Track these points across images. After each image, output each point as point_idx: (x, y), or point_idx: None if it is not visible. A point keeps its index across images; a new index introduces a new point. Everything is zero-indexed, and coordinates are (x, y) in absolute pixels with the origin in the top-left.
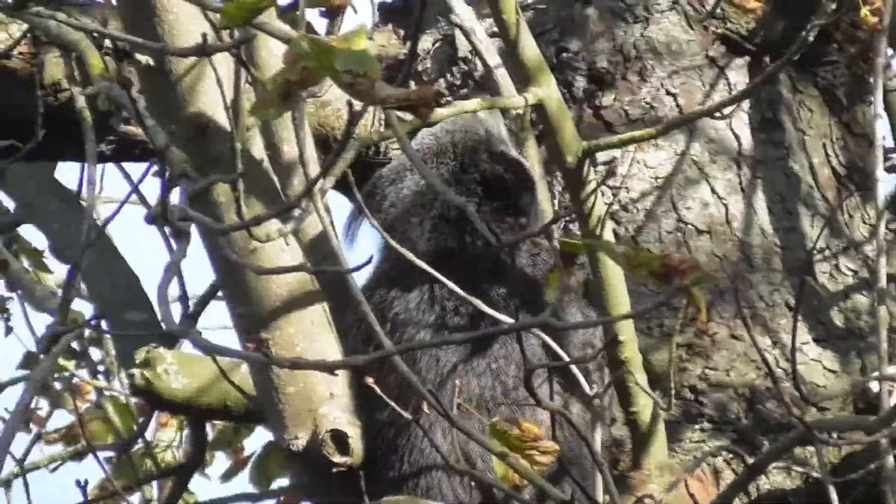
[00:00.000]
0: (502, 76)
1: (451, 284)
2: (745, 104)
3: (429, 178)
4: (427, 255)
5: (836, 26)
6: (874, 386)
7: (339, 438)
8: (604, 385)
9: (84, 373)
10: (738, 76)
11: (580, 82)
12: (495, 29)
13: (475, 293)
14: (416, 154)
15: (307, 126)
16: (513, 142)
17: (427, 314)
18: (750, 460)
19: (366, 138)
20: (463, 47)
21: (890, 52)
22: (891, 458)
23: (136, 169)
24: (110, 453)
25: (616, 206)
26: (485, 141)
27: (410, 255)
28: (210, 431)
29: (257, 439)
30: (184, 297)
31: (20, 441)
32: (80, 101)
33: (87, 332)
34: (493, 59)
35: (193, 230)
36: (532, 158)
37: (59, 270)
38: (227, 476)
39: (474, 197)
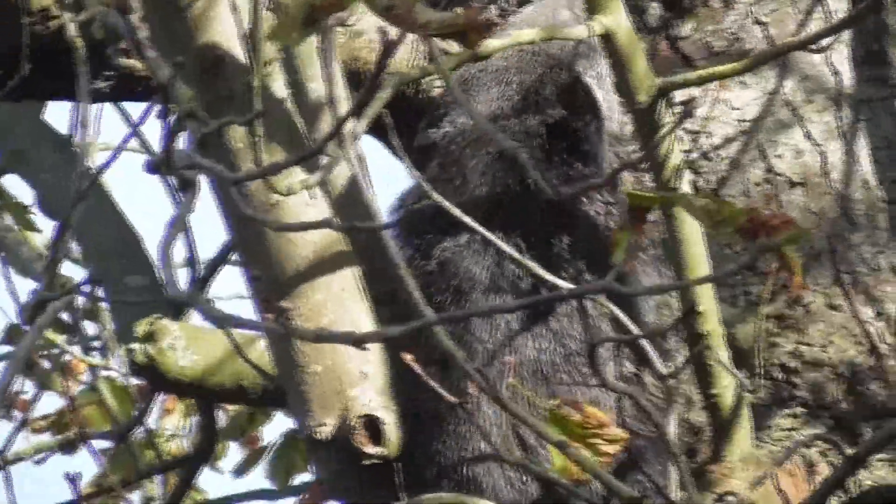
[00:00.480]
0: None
1: (499, 242)
2: (846, 35)
3: (476, 118)
4: (482, 200)
5: None
6: None
7: (373, 425)
8: (681, 361)
9: (76, 349)
10: (838, 2)
11: (654, 9)
12: None
13: (539, 244)
14: (461, 92)
15: (336, 59)
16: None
17: (482, 259)
18: (850, 451)
19: (404, 74)
20: None
21: None
22: None
23: (137, 109)
24: (106, 443)
25: (695, 154)
26: (555, 66)
27: (455, 210)
28: (222, 417)
29: (276, 427)
30: (192, 260)
31: (1, 429)
32: (72, 29)
33: (78, 300)
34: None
35: (202, 180)
36: None
37: (48, 228)
38: (241, 470)
39: (536, 138)
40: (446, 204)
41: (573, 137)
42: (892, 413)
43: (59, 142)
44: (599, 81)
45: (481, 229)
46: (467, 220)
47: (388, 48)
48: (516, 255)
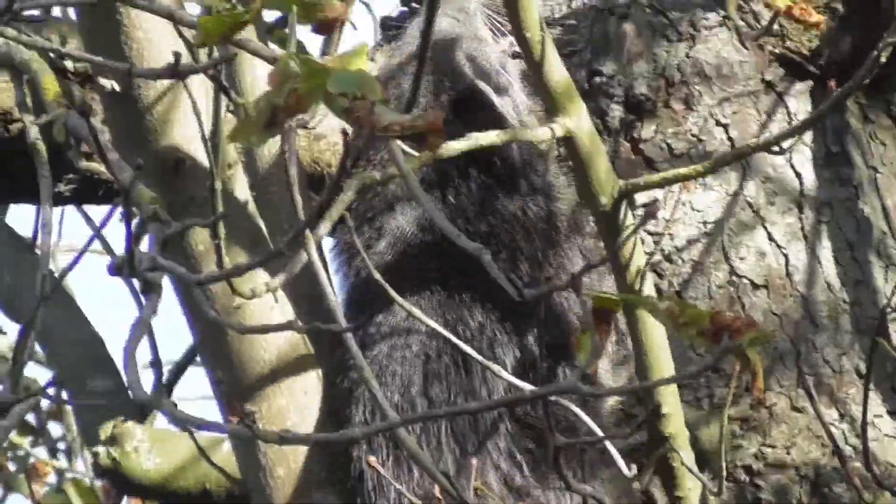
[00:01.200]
0: (521, 103)
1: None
2: (808, 136)
3: (437, 219)
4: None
5: None
6: None
7: None
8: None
9: (41, 451)
10: (800, 103)
11: (616, 111)
12: (517, 48)
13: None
14: (425, 197)
15: (297, 162)
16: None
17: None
18: None
19: (366, 176)
20: None
21: None
22: None
23: (98, 212)
24: None
25: (658, 256)
26: (445, 75)
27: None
28: None
29: None
30: (156, 362)
31: None
32: (34, 133)
33: (43, 403)
34: (515, 83)
35: (166, 282)
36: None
37: (11, 331)
38: None
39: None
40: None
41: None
42: None
43: (20, 244)
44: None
45: (441, 330)
46: (429, 320)
47: (351, 149)
48: (480, 358)
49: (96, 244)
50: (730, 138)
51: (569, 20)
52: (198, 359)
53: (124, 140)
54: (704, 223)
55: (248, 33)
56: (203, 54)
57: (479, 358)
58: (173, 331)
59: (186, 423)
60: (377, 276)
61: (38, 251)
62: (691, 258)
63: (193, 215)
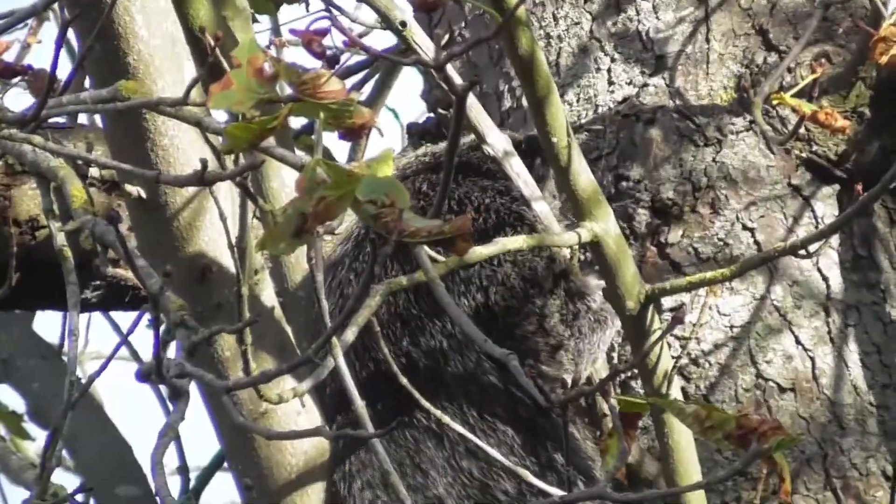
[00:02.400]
0: (545, 214)
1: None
2: (835, 240)
3: (464, 325)
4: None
5: None
6: None
7: None
8: None
9: None
10: (826, 207)
11: (642, 215)
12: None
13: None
14: (451, 302)
15: (324, 267)
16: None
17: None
18: None
19: (393, 282)
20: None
21: None
22: None
23: (125, 318)
24: None
25: (685, 360)
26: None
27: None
28: None
29: None
30: (183, 468)
31: None
32: (60, 240)
33: None
34: (534, 192)
35: (193, 388)
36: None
37: (39, 437)
38: None
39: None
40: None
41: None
42: None
43: (48, 351)
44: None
45: (470, 435)
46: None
47: (377, 255)
48: (508, 462)
49: (123, 350)
50: (756, 242)
51: (595, 125)
52: (225, 464)
53: (151, 247)
54: (731, 327)
55: (275, 139)
56: (229, 160)
57: (507, 462)
58: (200, 436)
59: None
60: (405, 381)
61: (65, 358)
62: (718, 362)
63: (220, 321)
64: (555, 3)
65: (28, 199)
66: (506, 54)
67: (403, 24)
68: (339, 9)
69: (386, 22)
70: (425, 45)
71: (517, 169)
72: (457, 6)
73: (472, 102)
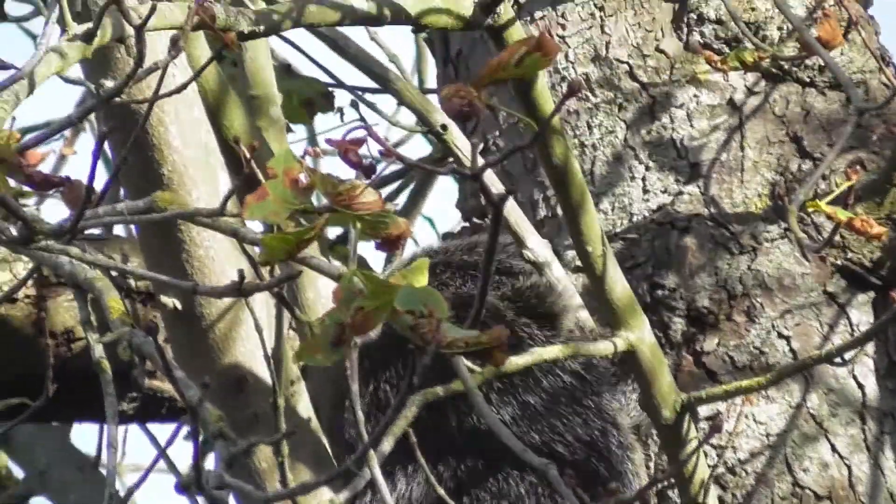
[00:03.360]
0: (584, 319)
1: None
2: (870, 347)
3: (499, 431)
4: None
5: None
6: None
7: None
8: None
9: None
10: (862, 314)
11: (678, 324)
12: (578, 263)
13: None
14: (489, 412)
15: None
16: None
17: None
18: None
19: (429, 392)
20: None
21: None
22: None
23: (163, 430)
24: None
25: (721, 469)
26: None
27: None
28: None
29: None
30: None
31: None
32: (98, 351)
33: None
34: (574, 300)
35: (232, 500)
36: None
37: None
38: None
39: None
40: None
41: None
42: None
43: (86, 463)
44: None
45: None
46: None
47: (415, 364)
48: None
49: (161, 462)
50: (792, 350)
51: (630, 234)
52: None
53: (187, 357)
54: (767, 435)
55: (311, 249)
56: (266, 271)
57: None
58: None
59: None
60: (441, 491)
61: (103, 470)
62: (754, 470)
63: (257, 432)
64: (589, 112)
65: (63, 311)
66: (540, 163)
67: (444, 127)
68: (379, 112)
69: (426, 125)
70: (464, 151)
71: (557, 274)
72: (491, 114)
73: (512, 207)
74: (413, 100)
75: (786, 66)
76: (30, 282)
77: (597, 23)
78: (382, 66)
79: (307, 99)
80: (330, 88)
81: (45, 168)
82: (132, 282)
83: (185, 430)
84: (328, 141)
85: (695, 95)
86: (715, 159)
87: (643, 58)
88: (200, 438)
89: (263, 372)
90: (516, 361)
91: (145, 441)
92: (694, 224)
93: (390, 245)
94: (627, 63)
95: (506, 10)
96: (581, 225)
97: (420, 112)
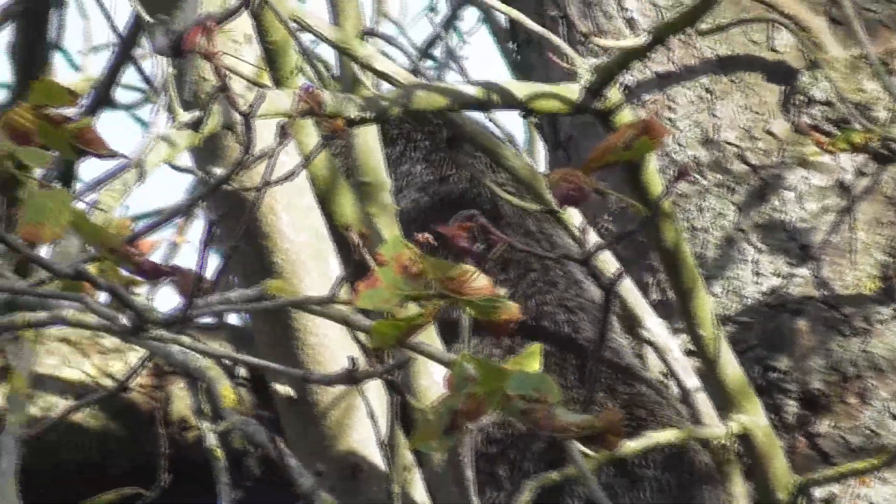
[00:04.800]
0: (701, 401)
1: None
2: None
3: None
4: None
5: None
6: None
7: None
8: None
9: None
10: None
11: (791, 406)
12: (692, 346)
13: None
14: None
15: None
16: None
17: None
18: None
19: (545, 478)
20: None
21: None
22: None
23: None
24: None
25: None
26: None
27: None
28: None
29: None
30: None
31: None
32: (211, 440)
33: None
34: (691, 381)
35: None
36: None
37: None
38: None
39: None
40: None
41: None
42: None
43: None
44: None
45: None
46: None
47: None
48: None
49: None
50: None
51: (742, 317)
52: None
53: (300, 445)
54: None
55: (423, 335)
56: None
57: None
58: None
59: None
60: None
61: None
62: None
63: None
64: (699, 195)
65: (178, 400)
66: (651, 247)
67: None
68: (494, 190)
69: (542, 205)
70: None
71: (676, 355)
72: (600, 198)
73: (629, 287)
74: (528, 178)
75: (895, 147)
76: (143, 371)
77: (706, 105)
78: (497, 142)
79: None
80: None
81: (157, 256)
82: (244, 370)
83: None
84: (440, 228)
85: (805, 177)
86: (826, 241)
87: (752, 140)
88: None
89: (377, 459)
90: (631, 445)
91: None
92: (806, 306)
93: (500, 329)
94: (737, 145)
95: (614, 94)
96: (693, 308)
97: (536, 190)
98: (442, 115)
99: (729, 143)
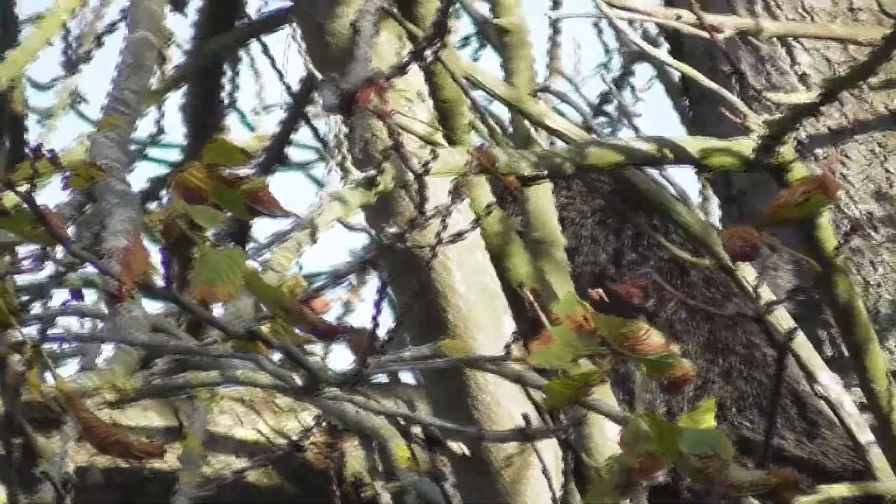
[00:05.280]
0: (876, 455)
1: None
2: None
3: None
4: None
5: None
6: None
7: None
8: None
9: None
10: None
11: None
12: (865, 401)
13: None
14: None
15: None
16: None
17: None
18: None
19: None
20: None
21: None
22: None
23: None
24: None
25: None
26: None
27: None
28: None
29: None
30: None
31: None
32: (385, 499)
33: None
34: (865, 435)
35: None
36: None
37: None
38: None
39: None
40: None
41: None
42: None
43: None
44: None
45: None
46: None
47: None
48: None
49: None
50: None
51: None
52: None
53: (474, 503)
54: None
55: (598, 393)
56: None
57: None
58: None
59: None
60: None
61: None
62: None
63: None
64: (872, 250)
65: (352, 459)
66: (824, 302)
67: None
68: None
69: (714, 259)
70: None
71: (849, 409)
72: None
73: (803, 343)
74: (701, 234)
75: None
76: (317, 430)
77: (878, 160)
78: (667, 197)
79: None
80: None
81: (331, 315)
82: (418, 429)
83: None
84: (609, 287)
85: None
86: None
87: None
88: None
89: None
90: (805, 501)
91: None
92: None
93: (675, 386)
94: None
95: (787, 150)
96: (866, 363)
97: (707, 245)
98: (614, 171)
99: None
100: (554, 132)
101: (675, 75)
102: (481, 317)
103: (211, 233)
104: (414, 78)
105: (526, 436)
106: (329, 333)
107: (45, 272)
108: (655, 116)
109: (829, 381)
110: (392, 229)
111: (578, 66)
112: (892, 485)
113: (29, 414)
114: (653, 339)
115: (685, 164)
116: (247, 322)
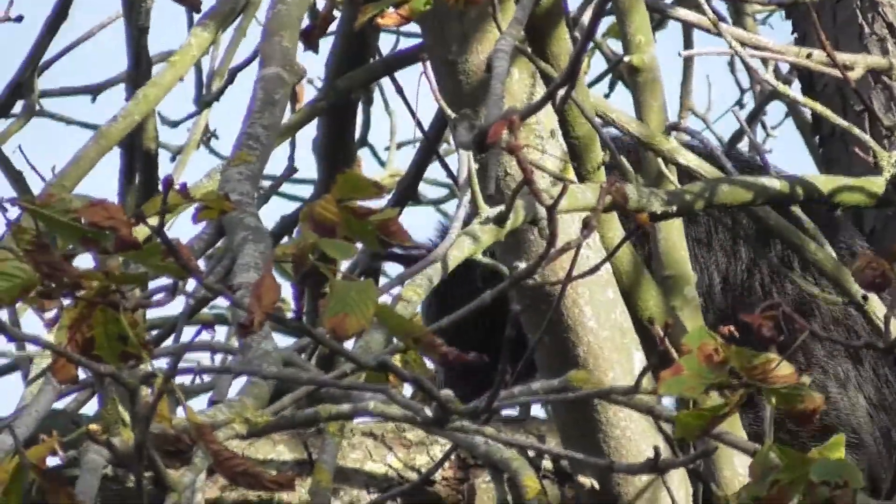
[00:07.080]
0: None
1: None
2: None
3: None
4: None
5: None
6: None
7: None
8: None
9: None
10: None
11: None
12: None
13: None
14: None
15: None
16: None
17: None
18: None
19: None
20: None
21: None
22: None
23: None
24: None
25: None
26: None
27: None
28: None
29: None
30: None
31: None
32: None
33: None
34: None
35: None
36: None
37: None
38: None
39: None
40: None
41: None
42: None
43: None
44: None
45: None
46: None
47: None
48: None
49: None
50: None
51: None
52: None
53: None
54: None
55: (726, 425)
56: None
57: None
58: None
59: None
60: None
61: None
62: None
63: None
64: None
65: (481, 492)
66: None
67: (865, 297)
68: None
69: (846, 295)
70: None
71: None
72: None
73: None
74: (832, 271)
75: None
76: (448, 463)
77: None
78: (801, 235)
79: None
80: None
81: None
82: (548, 461)
83: None
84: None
85: None
86: None
87: None
88: None
89: None
90: None
91: None
92: None
93: (805, 419)
94: None
95: None
96: None
97: (840, 283)
98: (746, 208)
99: None
100: (685, 169)
101: (807, 113)
102: (612, 353)
103: (343, 267)
104: (546, 116)
105: (656, 467)
106: (458, 364)
107: (176, 305)
108: (787, 154)
109: None
110: (522, 264)
111: (710, 104)
112: None
113: (159, 446)
114: (783, 370)
115: (816, 201)
116: (377, 354)
